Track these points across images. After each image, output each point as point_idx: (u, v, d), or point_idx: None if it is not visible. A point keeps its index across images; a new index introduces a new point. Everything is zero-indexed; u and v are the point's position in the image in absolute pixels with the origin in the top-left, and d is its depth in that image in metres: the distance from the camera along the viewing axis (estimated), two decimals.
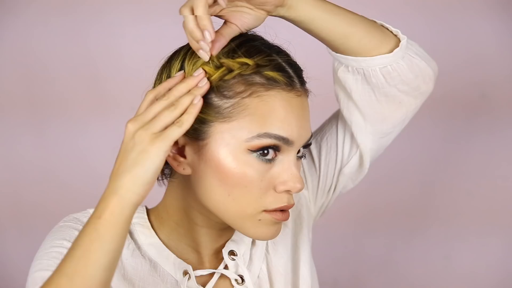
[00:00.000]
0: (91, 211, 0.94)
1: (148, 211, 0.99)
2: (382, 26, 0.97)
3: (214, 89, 0.85)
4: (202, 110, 0.85)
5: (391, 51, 0.94)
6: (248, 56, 0.86)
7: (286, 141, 0.85)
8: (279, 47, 0.91)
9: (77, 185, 1.77)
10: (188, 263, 0.95)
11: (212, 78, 0.85)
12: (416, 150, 1.75)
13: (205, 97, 0.85)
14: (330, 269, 1.75)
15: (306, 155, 1.07)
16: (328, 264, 1.74)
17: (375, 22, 0.97)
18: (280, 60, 0.87)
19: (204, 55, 0.84)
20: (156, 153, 0.79)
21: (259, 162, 0.85)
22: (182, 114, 0.82)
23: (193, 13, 0.82)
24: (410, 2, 1.72)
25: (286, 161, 0.87)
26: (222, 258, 0.97)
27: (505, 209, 1.72)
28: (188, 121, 0.82)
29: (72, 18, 1.74)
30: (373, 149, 1.04)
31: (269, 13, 0.89)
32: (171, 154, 0.89)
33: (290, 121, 0.86)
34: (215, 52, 0.85)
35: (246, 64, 0.85)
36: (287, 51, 0.91)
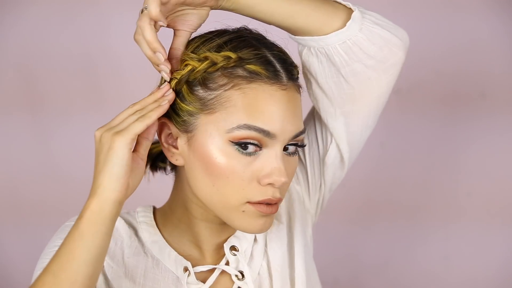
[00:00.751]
0: None
1: (155, 210, 1.02)
2: (334, 1, 0.94)
3: (200, 81, 0.88)
4: (190, 103, 0.88)
5: (345, 25, 0.91)
6: (234, 50, 0.88)
7: (267, 133, 0.86)
8: (273, 43, 0.92)
9: (77, 181, 1.77)
10: (189, 259, 0.96)
11: (197, 70, 0.88)
12: (415, 148, 1.75)
13: (193, 90, 0.89)
14: (330, 268, 1.75)
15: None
16: (328, 264, 1.74)
17: None
18: (268, 55, 0.89)
19: (165, 76, 0.89)
20: (120, 147, 0.83)
21: (239, 154, 0.87)
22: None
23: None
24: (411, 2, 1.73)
25: (270, 155, 0.88)
26: (224, 254, 0.98)
27: (506, 208, 1.73)
28: (150, 117, 0.86)
29: (72, 15, 1.75)
30: (350, 133, 1.01)
31: (212, 8, 0.90)
32: (166, 146, 0.92)
33: (271, 113, 0.86)
34: (174, 67, 0.90)
35: (229, 57, 0.87)
36: (284, 49, 0.92)
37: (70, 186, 1.77)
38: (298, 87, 0.92)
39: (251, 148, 0.87)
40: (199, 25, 0.91)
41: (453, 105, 1.71)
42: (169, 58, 0.89)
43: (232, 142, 0.86)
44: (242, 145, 0.86)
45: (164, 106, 0.87)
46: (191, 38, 0.92)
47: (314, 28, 0.91)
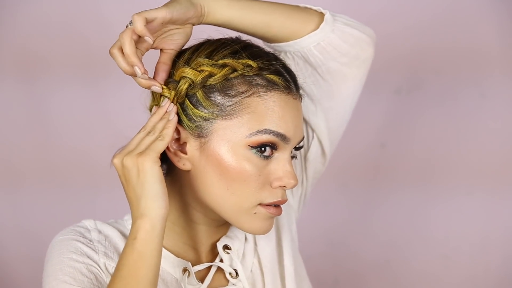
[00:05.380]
0: (86, 222, 0.98)
1: None
2: (306, 8, 1.01)
3: (218, 88, 0.90)
4: (206, 108, 0.90)
5: (318, 27, 0.98)
6: (252, 59, 0.91)
7: (284, 137, 0.90)
8: (274, 55, 0.96)
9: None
10: (186, 260, 0.97)
11: (216, 76, 0.90)
12: (415, 148, 1.75)
13: (209, 96, 0.91)
14: (330, 269, 1.75)
15: None
16: (328, 264, 1.74)
17: (296, 6, 1.00)
18: (278, 66, 0.93)
19: (157, 89, 0.91)
20: (150, 166, 0.86)
21: (257, 158, 0.90)
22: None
23: (123, 52, 0.88)
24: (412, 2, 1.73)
25: (281, 159, 0.92)
26: (217, 253, 1.00)
27: (506, 207, 1.73)
28: (168, 134, 0.89)
29: None
30: (330, 128, 1.07)
31: (194, 25, 0.94)
32: (172, 150, 0.93)
33: (286, 119, 0.91)
34: (162, 80, 0.92)
35: (250, 66, 0.90)
36: (282, 59, 0.96)
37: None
38: (302, 96, 0.97)
39: (268, 150, 0.90)
40: (185, 43, 0.94)
41: (453, 105, 1.71)
42: (156, 72, 0.92)
43: (251, 146, 0.89)
44: (260, 148, 0.90)
45: (174, 119, 0.90)
46: (198, 43, 0.95)
47: (288, 34, 0.98)
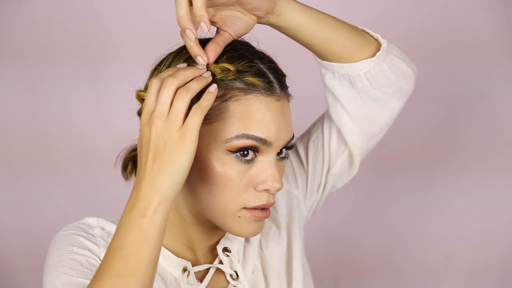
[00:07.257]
0: (89, 220, 0.97)
1: None
2: (363, 31, 1.02)
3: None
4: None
5: (373, 55, 1.00)
6: (231, 62, 0.88)
7: (264, 141, 0.88)
8: (263, 53, 0.93)
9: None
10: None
11: None
12: (415, 148, 1.75)
13: None
14: (330, 268, 1.76)
15: (295, 156, 1.12)
16: (328, 263, 1.75)
17: (356, 27, 1.01)
18: (261, 66, 0.90)
19: (200, 61, 0.86)
20: (188, 149, 0.81)
21: (238, 162, 0.88)
22: (192, 98, 0.83)
23: (190, 3, 0.84)
24: (411, 2, 1.73)
25: (265, 162, 0.90)
26: (217, 255, 1.00)
27: (504, 208, 1.73)
28: (206, 108, 0.83)
29: None
30: (362, 149, 1.09)
31: (259, 19, 0.92)
32: None
33: (267, 123, 0.88)
34: (212, 60, 0.87)
35: (227, 69, 0.88)
36: (272, 57, 0.94)
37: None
38: (288, 96, 0.94)
39: (250, 154, 0.88)
40: (243, 34, 0.91)
41: (453, 105, 1.71)
42: (206, 48, 0.87)
43: (230, 151, 0.87)
44: (241, 152, 0.88)
45: (215, 93, 0.85)
46: (181, 47, 0.93)
47: (345, 55, 0.99)
